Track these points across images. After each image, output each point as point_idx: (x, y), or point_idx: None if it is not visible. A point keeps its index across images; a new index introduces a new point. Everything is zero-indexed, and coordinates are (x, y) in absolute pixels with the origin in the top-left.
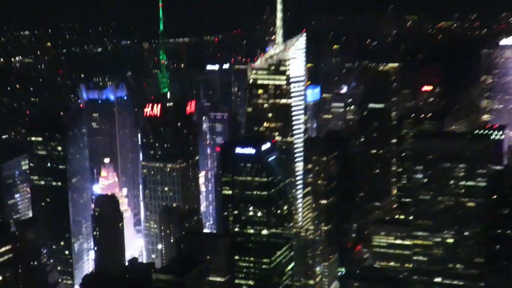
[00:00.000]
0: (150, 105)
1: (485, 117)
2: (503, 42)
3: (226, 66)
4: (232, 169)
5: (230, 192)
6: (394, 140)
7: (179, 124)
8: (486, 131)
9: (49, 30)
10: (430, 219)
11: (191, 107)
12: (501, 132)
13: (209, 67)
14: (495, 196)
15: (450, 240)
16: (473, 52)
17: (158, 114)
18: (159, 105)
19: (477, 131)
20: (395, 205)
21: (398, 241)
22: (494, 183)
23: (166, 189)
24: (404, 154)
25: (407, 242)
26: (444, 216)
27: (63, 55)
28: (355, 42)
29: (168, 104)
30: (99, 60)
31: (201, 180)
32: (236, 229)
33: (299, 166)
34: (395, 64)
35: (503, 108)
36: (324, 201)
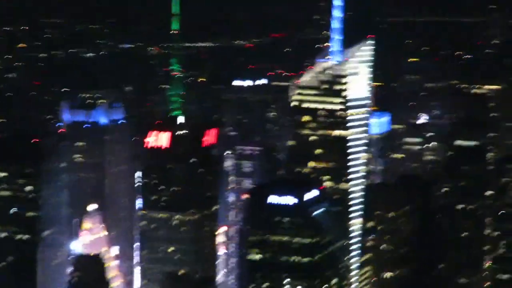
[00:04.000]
0: (155, 132)
1: None
2: None
3: (261, 81)
4: (263, 225)
5: (259, 256)
6: (490, 192)
7: (193, 160)
8: None
9: (25, 27)
10: None
11: (211, 136)
12: None
13: (237, 82)
14: None
15: None
16: None
17: (166, 146)
18: (168, 133)
19: None
20: (488, 283)
21: None
22: None
23: (171, 249)
24: (504, 211)
25: None
26: None
27: (42, 61)
28: (441, 54)
29: (179, 132)
30: (89, 69)
31: (220, 238)
32: None
33: (357, 224)
34: (497, 86)
35: None
36: (389, 274)
